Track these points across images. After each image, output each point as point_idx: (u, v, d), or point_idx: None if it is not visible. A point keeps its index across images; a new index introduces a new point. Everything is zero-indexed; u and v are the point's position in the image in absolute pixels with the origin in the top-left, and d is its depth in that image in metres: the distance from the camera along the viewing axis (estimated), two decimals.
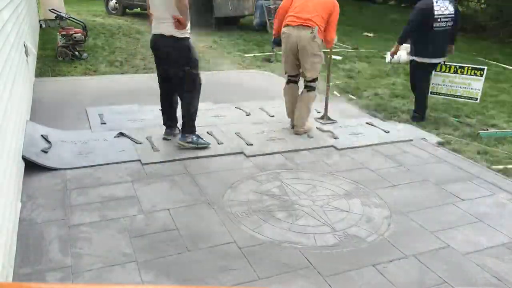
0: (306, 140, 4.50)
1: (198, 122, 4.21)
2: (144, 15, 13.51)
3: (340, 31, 13.01)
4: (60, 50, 7.17)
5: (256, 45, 9.78)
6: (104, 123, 4.59)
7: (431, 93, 6.15)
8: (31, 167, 3.57)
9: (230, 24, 11.93)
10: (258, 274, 2.54)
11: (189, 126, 4.09)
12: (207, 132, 4.44)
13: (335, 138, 4.55)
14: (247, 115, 5.15)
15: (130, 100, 5.36)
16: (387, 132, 4.84)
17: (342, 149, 4.34)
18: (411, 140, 4.67)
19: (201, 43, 9.72)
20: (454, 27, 5.14)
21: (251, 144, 4.29)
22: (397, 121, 5.35)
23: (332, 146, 4.41)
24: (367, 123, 5.11)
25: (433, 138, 4.78)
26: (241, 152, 4.13)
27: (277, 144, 4.35)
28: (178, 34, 3.82)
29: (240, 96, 5.78)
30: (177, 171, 3.70)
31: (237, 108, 5.34)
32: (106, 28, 10.49)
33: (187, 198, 3.31)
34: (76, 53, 7.27)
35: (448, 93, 6.06)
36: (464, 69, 5.96)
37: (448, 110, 5.83)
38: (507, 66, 9.88)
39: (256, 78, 7.04)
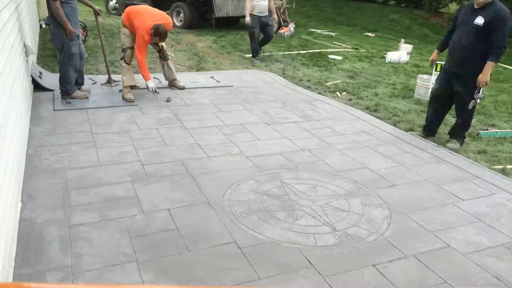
0: None
1: None
2: None
3: (340, 31, 13.04)
4: None
5: None
6: None
7: (430, 93, 6.14)
8: (31, 167, 3.57)
9: (230, 24, 11.92)
10: (258, 274, 2.53)
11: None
12: None
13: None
14: None
15: None
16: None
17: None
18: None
19: (201, 43, 9.72)
20: None
21: None
22: (395, 121, 5.35)
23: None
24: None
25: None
26: None
27: None
28: None
29: None
30: (177, 171, 3.70)
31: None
32: (106, 28, 10.48)
33: (187, 198, 3.31)
34: None
35: None
36: None
37: None
38: (507, 66, 9.89)
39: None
